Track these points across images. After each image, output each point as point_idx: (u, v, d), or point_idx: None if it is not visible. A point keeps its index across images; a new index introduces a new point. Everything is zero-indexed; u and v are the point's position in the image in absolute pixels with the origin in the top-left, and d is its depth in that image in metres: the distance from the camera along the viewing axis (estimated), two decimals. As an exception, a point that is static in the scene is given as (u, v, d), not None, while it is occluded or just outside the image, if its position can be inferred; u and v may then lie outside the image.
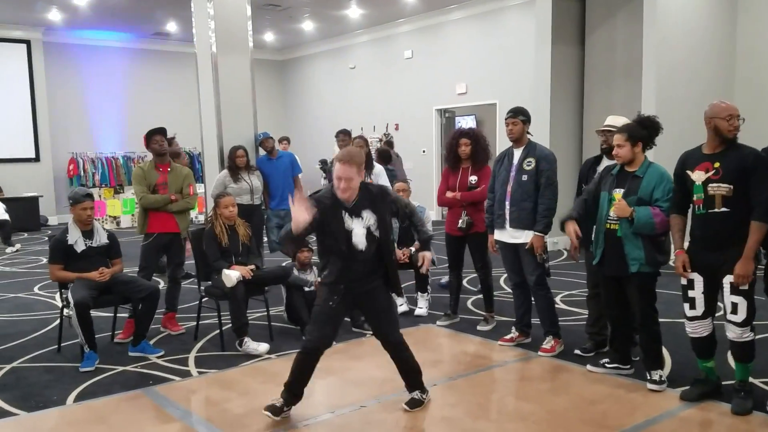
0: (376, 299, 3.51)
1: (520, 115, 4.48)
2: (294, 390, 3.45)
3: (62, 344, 4.72)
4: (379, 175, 6.06)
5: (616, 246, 3.83)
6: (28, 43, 13.09)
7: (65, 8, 11.61)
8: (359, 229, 3.31)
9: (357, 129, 14.06)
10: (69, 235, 4.53)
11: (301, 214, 3.11)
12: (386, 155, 7.40)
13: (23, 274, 7.96)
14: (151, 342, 4.81)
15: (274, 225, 6.47)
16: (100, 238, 4.63)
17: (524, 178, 4.42)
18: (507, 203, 4.48)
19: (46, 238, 11.05)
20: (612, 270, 3.90)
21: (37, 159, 13.30)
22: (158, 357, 4.54)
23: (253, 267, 4.90)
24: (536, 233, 4.38)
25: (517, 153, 4.52)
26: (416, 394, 3.61)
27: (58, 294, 6.13)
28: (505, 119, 4.53)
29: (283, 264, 5.98)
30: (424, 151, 12.97)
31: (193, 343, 4.88)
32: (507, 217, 4.48)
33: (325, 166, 13.73)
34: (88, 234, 4.58)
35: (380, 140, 13.62)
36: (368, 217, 3.34)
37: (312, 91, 15.92)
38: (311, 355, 3.40)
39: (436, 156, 12.84)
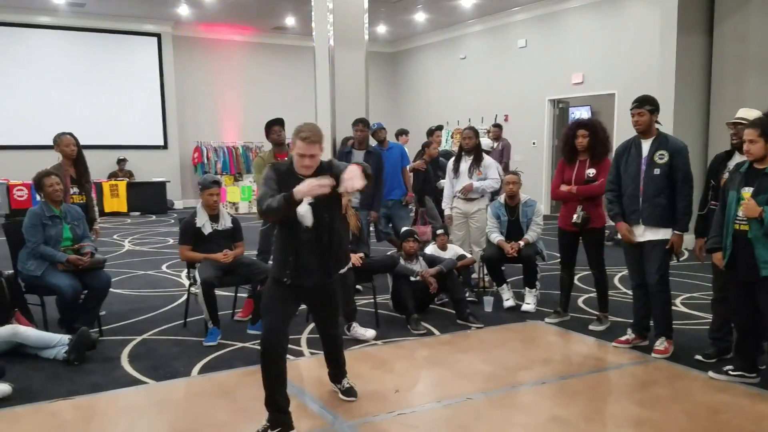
0: (328, 296, 3.37)
1: (646, 105, 4.24)
2: (276, 405, 3.12)
3: (188, 319, 5.07)
4: (489, 167, 6.00)
5: (745, 248, 3.58)
6: (158, 36, 14.04)
7: (193, 3, 12.36)
8: (305, 203, 3.00)
9: (465, 121, 13.96)
10: (198, 218, 4.84)
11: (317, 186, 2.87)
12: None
13: (152, 253, 8.60)
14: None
15: (382, 215, 6.56)
16: (225, 222, 4.91)
17: (656, 172, 4.20)
18: (640, 199, 4.28)
19: (172, 221, 11.90)
20: (742, 274, 3.65)
21: (165, 146, 14.27)
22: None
23: (362, 255, 5.01)
24: (676, 232, 4.18)
25: (646, 145, 4.29)
26: (346, 382, 3.65)
27: (185, 272, 6.57)
28: (631, 109, 4.31)
29: (390, 253, 6.08)
30: (534, 143, 12.66)
31: (305, 325, 5.07)
32: (640, 213, 4.28)
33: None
34: (214, 218, 4.87)
35: (487, 131, 13.44)
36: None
37: (421, 83, 15.96)
38: (270, 355, 3.10)
39: (547, 148, 12.50)
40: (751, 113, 4.06)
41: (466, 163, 5.96)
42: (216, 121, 14.87)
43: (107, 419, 3.46)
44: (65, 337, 4.28)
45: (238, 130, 14.98)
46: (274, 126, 5.53)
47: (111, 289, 4.99)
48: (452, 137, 14.58)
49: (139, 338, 4.76)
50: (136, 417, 3.47)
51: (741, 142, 3.81)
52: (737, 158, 4.08)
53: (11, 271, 4.75)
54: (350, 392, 3.62)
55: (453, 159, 6.12)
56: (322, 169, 3.12)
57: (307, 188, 2.85)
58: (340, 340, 3.64)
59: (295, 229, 3.09)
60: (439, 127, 6.58)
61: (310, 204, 3.00)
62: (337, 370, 3.65)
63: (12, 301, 4.45)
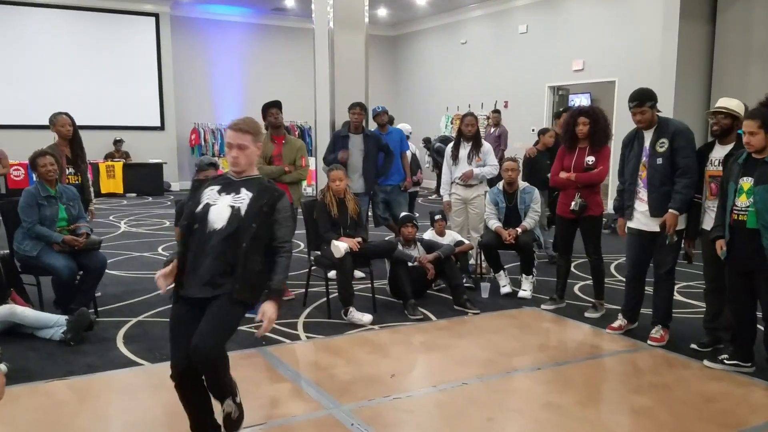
0: (217, 306, 2.61)
1: (647, 102, 4.18)
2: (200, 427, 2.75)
3: (184, 302, 5.06)
4: (488, 154, 5.97)
5: (744, 238, 3.58)
6: (156, 16, 13.89)
7: (192, -16, 12.21)
8: (223, 203, 2.67)
9: (465, 106, 13.91)
10: (193, 200, 4.81)
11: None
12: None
13: (148, 235, 8.57)
14: (284, 299, 5.02)
15: (380, 200, 6.54)
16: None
17: (659, 161, 4.17)
18: (645, 190, 4.25)
19: (169, 203, 11.86)
20: (740, 263, 3.65)
21: (162, 128, 14.18)
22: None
23: (360, 240, 5.01)
24: (671, 210, 4.12)
25: (648, 135, 4.27)
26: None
27: (181, 255, 6.57)
28: (630, 108, 4.24)
29: (388, 238, 6.08)
30: (533, 130, 12.61)
31: (302, 309, 5.07)
32: (646, 204, 4.25)
33: (429, 145, 13.68)
34: (210, 200, 4.85)
35: (487, 118, 13.39)
36: (243, 197, 2.69)
37: (422, 67, 15.87)
38: (179, 381, 2.66)
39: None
40: (730, 102, 4.03)
41: (465, 150, 5.94)
42: (213, 102, 14.79)
43: (103, 400, 3.46)
44: (62, 318, 4.27)
45: (237, 112, 14.88)
46: (270, 108, 5.49)
47: (107, 271, 4.97)
48: (452, 123, 14.54)
49: (134, 320, 4.75)
50: (132, 398, 3.48)
51: (722, 131, 3.97)
52: (719, 147, 4.07)
53: (7, 251, 4.73)
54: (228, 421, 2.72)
55: (451, 145, 6.09)
56: (260, 184, 2.74)
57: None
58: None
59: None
60: (566, 110, 6.25)
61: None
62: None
63: (8, 281, 4.43)
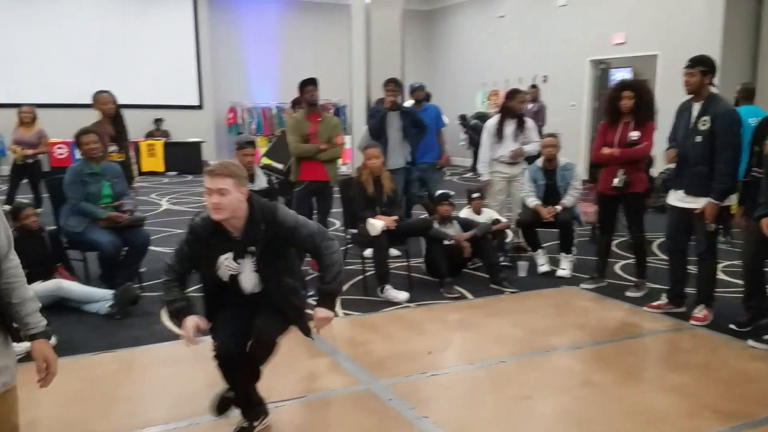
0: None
1: (699, 66, 4.06)
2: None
3: (223, 278, 5.14)
4: (532, 130, 5.90)
5: None
6: (194, -6, 13.96)
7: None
8: (248, 270, 2.63)
9: (502, 82, 13.69)
10: (233, 178, 4.85)
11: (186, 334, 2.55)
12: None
13: (189, 212, 8.72)
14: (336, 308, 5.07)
15: (415, 178, 6.50)
16: (260, 183, 4.93)
17: (698, 139, 4.05)
18: (684, 165, 4.15)
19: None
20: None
21: (200, 107, 14.34)
22: (308, 297, 4.81)
23: (396, 218, 5.00)
24: (710, 200, 4.03)
25: (696, 108, 4.14)
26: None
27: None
28: (683, 69, 4.14)
29: (424, 216, 6.06)
30: (573, 105, 12.36)
31: (339, 287, 5.11)
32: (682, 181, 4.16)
33: (465, 122, 13.52)
34: (249, 178, 4.87)
35: (525, 93, 13.15)
36: (258, 255, 2.61)
37: (458, 42, 15.63)
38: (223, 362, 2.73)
39: (587, 110, 12.19)
40: None
41: (510, 127, 5.85)
42: (250, 81, 14.85)
43: (147, 371, 3.56)
44: (108, 292, 4.39)
45: (272, 91, 14.95)
46: (307, 86, 5.48)
47: (150, 247, 5.07)
48: (488, 99, 14.33)
49: (176, 295, 4.85)
50: (174, 370, 3.57)
51: None
52: None
53: (54, 227, 4.87)
54: None
55: (494, 122, 5.98)
56: (254, 223, 2.57)
57: (186, 336, 2.53)
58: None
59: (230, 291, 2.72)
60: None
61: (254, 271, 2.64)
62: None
63: (55, 257, 4.57)
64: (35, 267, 4.30)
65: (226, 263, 2.61)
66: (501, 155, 5.85)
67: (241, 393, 2.78)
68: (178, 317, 2.60)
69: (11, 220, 4.43)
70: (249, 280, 2.65)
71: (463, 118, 13.68)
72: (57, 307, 4.35)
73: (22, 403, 2.09)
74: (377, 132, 5.97)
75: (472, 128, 12.97)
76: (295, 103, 6.20)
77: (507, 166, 5.90)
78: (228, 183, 2.51)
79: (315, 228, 2.68)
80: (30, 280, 4.16)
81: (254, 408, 2.82)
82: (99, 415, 2.98)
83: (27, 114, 7.23)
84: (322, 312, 2.67)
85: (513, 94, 5.97)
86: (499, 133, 5.88)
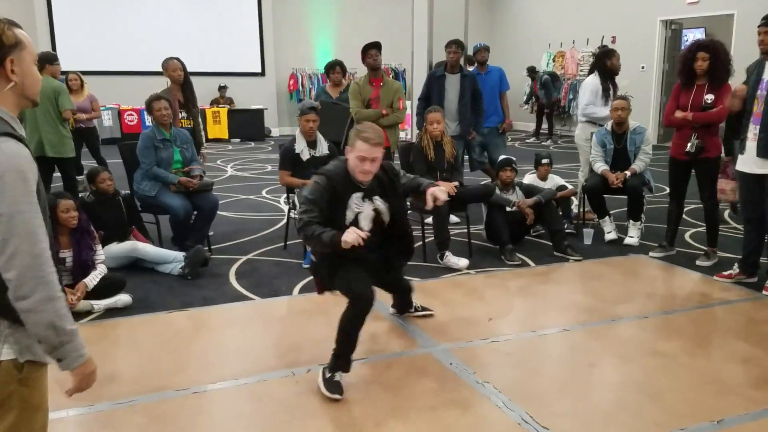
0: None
1: None
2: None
3: (288, 242, 5.27)
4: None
5: None
6: (256, -39, 14.00)
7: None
8: (368, 211, 3.07)
9: (568, 42, 13.24)
10: (296, 144, 4.92)
11: (353, 236, 2.78)
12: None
13: (252, 179, 8.92)
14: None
15: (477, 143, 6.39)
16: (323, 149, 4.97)
17: None
18: (755, 127, 3.94)
19: (270, 148, 12.23)
20: None
21: (262, 74, 14.50)
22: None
23: (457, 184, 4.96)
24: None
25: None
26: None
27: (284, 197, 6.80)
28: (758, 26, 3.93)
29: (485, 182, 5.98)
30: (643, 68, 11.86)
31: (399, 252, 5.14)
32: (755, 143, 3.95)
33: (534, 74, 13.12)
34: (312, 144, 4.94)
35: (592, 54, 12.68)
36: (378, 204, 3.10)
37: (523, 2, 15.15)
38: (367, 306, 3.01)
39: (657, 73, 11.68)
40: None
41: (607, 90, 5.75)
42: (311, 47, 14.88)
43: (218, 330, 3.71)
44: (180, 254, 4.58)
45: (332, 56, 14.93)
46: (370, 50, 5.45)
47: (218, 212, 5.23)
48: (554, 60, 13.89)
49: (244, 258, 5.01)
50: (243, 328, 3.71)
51: None
52: None
53: (128, 192, 5.08)
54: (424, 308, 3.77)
55: (596, 82, 5.78)
56: (381, 179, 3.07)
57: (352, 239, 2.76)
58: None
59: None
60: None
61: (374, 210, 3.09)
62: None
63: (129, 219, 4.78)
64: (111, 229, 4.53)
65: (355, 201, 3.00)
66: (606, 116, 5.61)
67: (354, 343, 2.94)
68: (332, 242, 2.80)
69: (88, 183, 4.64)
70: (367, 217, 3.05)
71: (532, 71, 13.21)
72: (132, 268, 4.57)
73: (102, 356, 2.21)
74: (424, 97, 5.88)
75: (543, 84, 12.61)
76: (330, 68, 6.16)
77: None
78: (380, 152, 2.92)
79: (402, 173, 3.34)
80: (106, 242, 4.43)
81: (349, 360, 2.94)
82: (174, 370, 3.13)
83: (74, 81, 7.44)
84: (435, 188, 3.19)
85: (612, 52, 5.81)
86: (605, 93, 5.71)
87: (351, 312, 2.92)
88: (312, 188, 2.97)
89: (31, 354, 1.51)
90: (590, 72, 6.04)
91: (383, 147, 2.92)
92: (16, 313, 1.43)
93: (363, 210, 3.04)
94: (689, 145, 4.52)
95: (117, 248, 4.53)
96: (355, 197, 3.01)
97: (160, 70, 5.41)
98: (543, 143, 12.49)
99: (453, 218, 5.83)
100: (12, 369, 1.49)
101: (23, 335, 1.49)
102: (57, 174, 6.12)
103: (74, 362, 1.50)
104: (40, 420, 1.59)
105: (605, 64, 5.77)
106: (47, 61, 6.12)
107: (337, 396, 2.80)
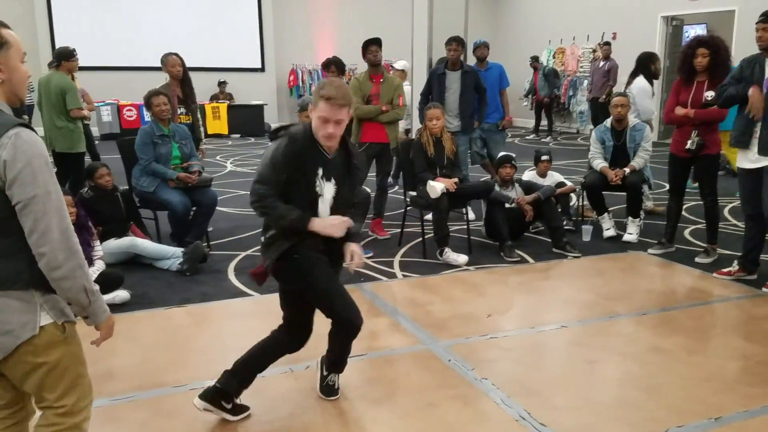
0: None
1: None
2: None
3: (287, 238, 5.25)
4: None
5: None
6: (256, -43, 13.95)
7: None
8: (328, 195, 2.54)
9: (569, 38, 13.22)
10: (296, 140, 4.91)
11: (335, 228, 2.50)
12: None
13: (252, 174, 8.89)
14: (361, 244, 5.15)
15: (477, 137, 6.39)
16: (322, 144, 4.95)
17: None
18: (758, 124, 3.92)
19: (269, 144, 12.19)
20: None
21: (262, 69, 14.47)
22: (368, 258, 4.87)
23: (456, 180, 4.96)
24: None
25: None
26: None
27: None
28: (756, 23, 3.91)
29: (485, 179, 5.98)
30: (643, 65, 11.83)
31: (397, 249, 5.14)
32: (755, 138, 3.94)
33: (536, 63, 13.05)
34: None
35: (593, 51, 12.65)
36: (337, 184, 2.57)
37: (522, -1, 15.12)
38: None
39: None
40: None
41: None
42: (311, 42, 14.84)
43: (217, 325, 3.71)
44: (179, 250, 4.57)
45: (333, 53, 14.88)
46: (371, 46, 5.44)
47: (217, 207, 5.23)
48: (554, 57, 13.87)
49: (243, 254, 5.00)
50: (242, 324, 3.70)
51: None
52: None
53: (126, 187, 5.07)
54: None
55: (648, 85, 5.99)
56: (347, 148, 2.60)
57: (324, 228, 2.47)
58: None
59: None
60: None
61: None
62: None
63: (128, 215, 4.77)
64: (110, 224, 4.53)
65: (318, 179, 2.50)
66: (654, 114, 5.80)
67: (348, 353, 2.76)
68: (300, 224, 2.45)
69: (86, 179, 4.64)
70: (327, 201, 2.54)
71: (535, 59, 13.11)
72: (131, 263, 4.57)
73: (101, 352, 2.20)
74: (425, 93, 5.90)
75: (545, 75, 12.56)
76: (325, 67, 6.16)
77: None
78: (345, 113, 2.45)
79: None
80: (104, 237, 4.42)
81: (344, 364, 2.82)
82: (174, 365, 3.13)
83: None
84: (355, 246, 2.60)
85: (655, 56, 6.19)
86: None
87: (342, 337, 2.68)
88: (269, 158, 2.48)
89: (65, 316, 1.72)
90: (633, 75, 6.10)
91: (349, 107, 2.45)
92: (47, 282, 1.63)
93: (324, 193, 2.53)
94: (690, 142, 4.52)
95: (115, 244, 4.53)
96: (318, 172, 2.51)
97: (160, 65, 5.39)
98: (542, 140, 12.48)
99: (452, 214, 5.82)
100: (55, 331, 1.69)
101: (55, 301, 1.69)
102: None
103: (101, 317, 1.77)
104: (87, 371, 1.83)
105: (650, 67, 5.99)
106: (63, 57, 6.08)
107: (333, 398, 2.82)
